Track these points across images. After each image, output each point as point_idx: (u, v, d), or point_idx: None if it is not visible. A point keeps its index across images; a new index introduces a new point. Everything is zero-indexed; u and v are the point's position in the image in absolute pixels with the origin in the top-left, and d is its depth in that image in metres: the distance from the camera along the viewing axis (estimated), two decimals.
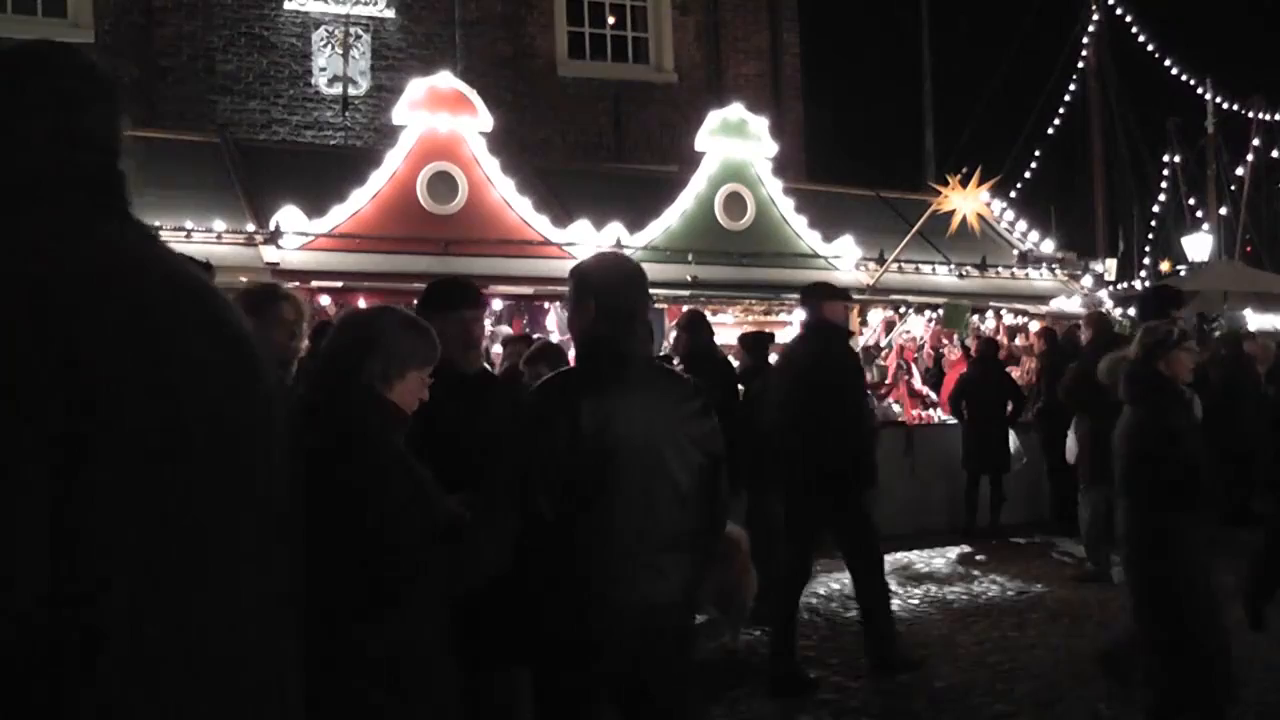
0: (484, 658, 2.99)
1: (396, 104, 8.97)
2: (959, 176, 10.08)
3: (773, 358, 7.31)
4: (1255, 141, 24.40)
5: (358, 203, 8.57)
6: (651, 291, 3.62)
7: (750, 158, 10.17)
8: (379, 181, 8.66)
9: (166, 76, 12.75)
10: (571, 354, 3.47)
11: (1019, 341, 11.16)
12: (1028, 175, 23.46)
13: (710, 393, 3.21)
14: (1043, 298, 11.36)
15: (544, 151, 13.57)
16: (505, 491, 2.87)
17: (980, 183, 10.11)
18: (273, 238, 8.28)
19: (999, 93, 23.06)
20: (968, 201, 10.01)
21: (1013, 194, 20.94)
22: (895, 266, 10.41)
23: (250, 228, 8.42)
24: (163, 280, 1.48)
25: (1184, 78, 24.38)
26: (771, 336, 8.12)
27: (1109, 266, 20.04)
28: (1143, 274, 25.12)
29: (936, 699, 5.38)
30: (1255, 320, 17.88)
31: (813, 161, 16.70)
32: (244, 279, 8.00)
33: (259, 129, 12.95)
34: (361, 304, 7.80)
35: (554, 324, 9.29)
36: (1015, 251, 11.12)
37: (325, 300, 8.06)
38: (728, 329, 10.60)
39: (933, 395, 11.05)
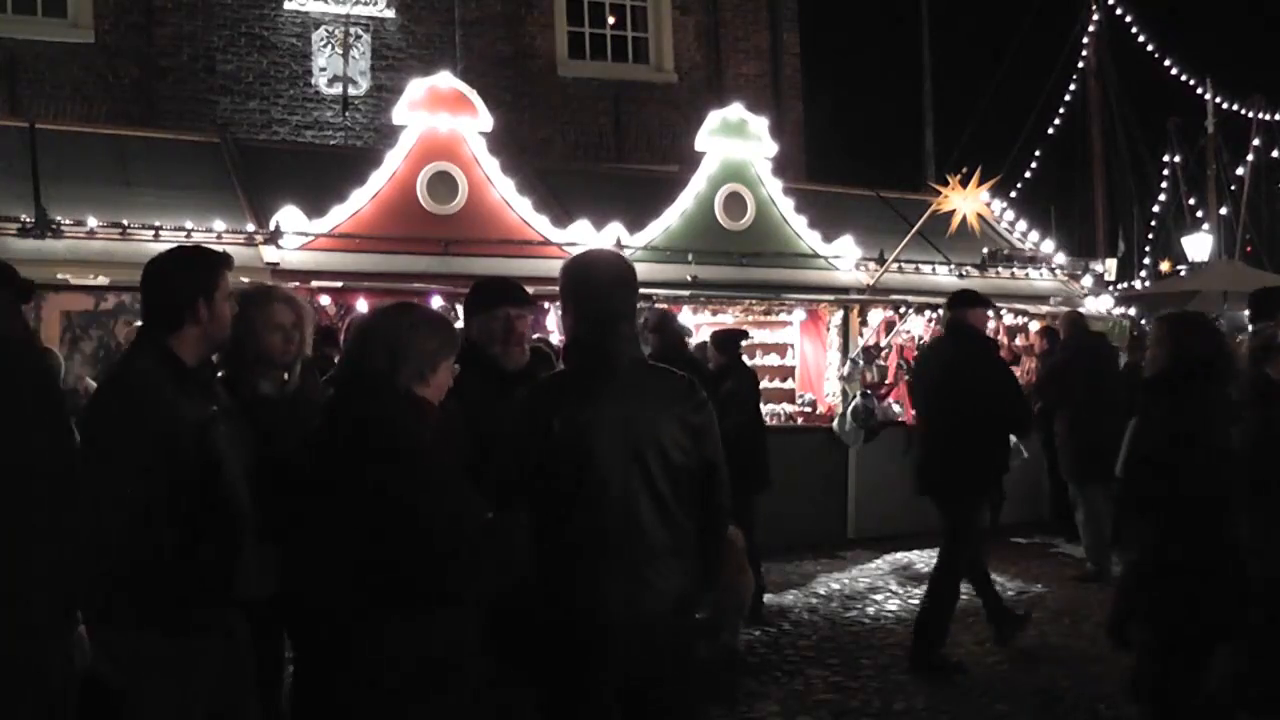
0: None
1: (396, 104, 8.97)
2: (959, 176, 10.07)
3: (772, 359, 7.38)
4: (1255, 141, 24.38)
5: (358, 203, 8.57)
6: (651, 291, 3.59)
7: (750, 158, 10.16)
8: (379, 181, 8.66)
9: (166, 76, 12.75)
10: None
11: (1019, 341, 11.15)
12: (1028, 175, 23.48)
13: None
14: (1043, 298, 11.35)
15: (544, 151, 13.57)
16: (515, 491, 2.86)
17: (980, 183, 10.10)
18: (273, 238, 8.27)
19: (999, 93, 23.01)
20: (968, 201, 10.00)
21: (1013, 194, 20.95)
22: (895, 266, 10.41)
23: (250, 228, 8.41)
24: None
25: (1184, 78, 24.37)
26: (744, 334, 8.26)
27: (1109, 266, 20.02)
28: (1143, 274, 25.12)
29: (936, 699, 5.38)
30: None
31: (813, 161, 16.72)
32: (245, 279, 8.03)
33: (259, 129, 12.95)
34: (362, 304, 7.80)
35: (554, 324, 9.28)
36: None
37: (325, 300, 8.06)
38: (727, 329, 10.62)
39: None
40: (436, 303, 7.73)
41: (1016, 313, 10.87)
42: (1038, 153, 23.60)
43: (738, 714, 5.15)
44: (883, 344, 10.47)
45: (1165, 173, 26.51)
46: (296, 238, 8.26)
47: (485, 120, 9.00)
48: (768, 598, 7.32)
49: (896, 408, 10.17)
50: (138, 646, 2.82)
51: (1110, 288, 16.12)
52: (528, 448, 2.85)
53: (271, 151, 10.75)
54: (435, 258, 8.58)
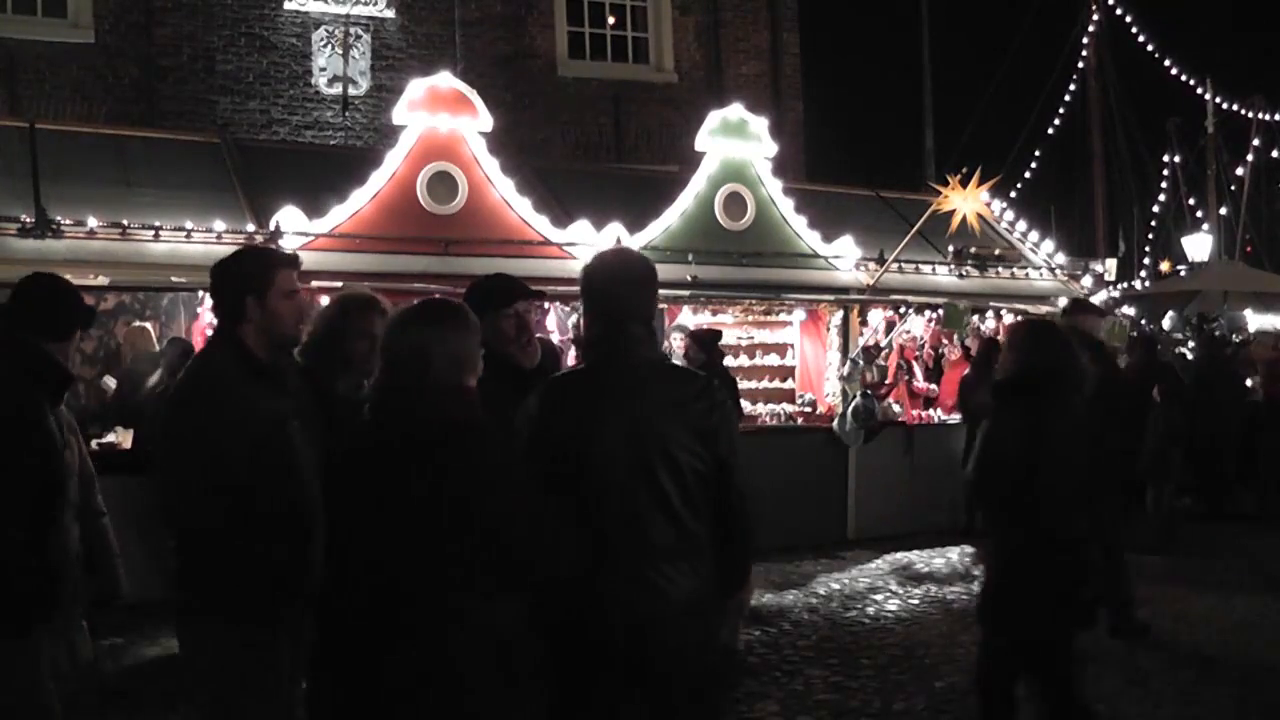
0: None
1: (396, 104, 8.96)
2: (959, 176, 10.07)
3: (772, 359, 7.43)
4: (1255, 141, 24.41)
5: (358, 203, 8.56)
6: None
7: (750, 158, 10.16)
8: (379, 181, 8.65)
9: (166, 76, 12.75)
10: (572, 353, 3.48)
11: None
12: (1028, 175, 23.49)
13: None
14: (1043, 298, 11.35)
15: (544, 151, 13.57)
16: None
17: (980, 183, 10.10)
18: (273, 238, 8.26)
19: (999, 93, 23.04)
20: (968, 201, 9.99)
21: (1013, 194, 20.97)
22: (895, 266, 10.41)
23: (250, 228, 8.40)
24: None
25: (1184, 78, 24.39)
26: (719, 334, 8.34)
27: (1109, 266, 20.02)
28: (1143, 274, 25.14)
29: (936, 699, 5.38)
30: (1255, 320, 17.89)
31: (813, 161, 16.73)
32: None
33: (259, 129, 12.95)
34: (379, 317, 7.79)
35: (554, 324, 9.29)
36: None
37: (325, 301, 8.05)
38: (728, 329, 10.62)
39: (934, 389, 11.04)
40: None
41: (1016, 313, 10.88)
42: (1038, 153, 23.63)
43: (738, 714, 5.15)
44: (883, 344, 10.47)
45: (1165, 173, 26.54)
46: (296, 238, 8.25)
47: (485, 120, 8.99)
48: (768, 598, 7.32)
49: (896, 408, 10.18)
50: (225, 640, 2.92)
51: (1110, 288, 16.13)
52: (535, 444, 2.84)
53: (271, 151, 10.74)
54: (435, 258, 8.58)
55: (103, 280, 7.63)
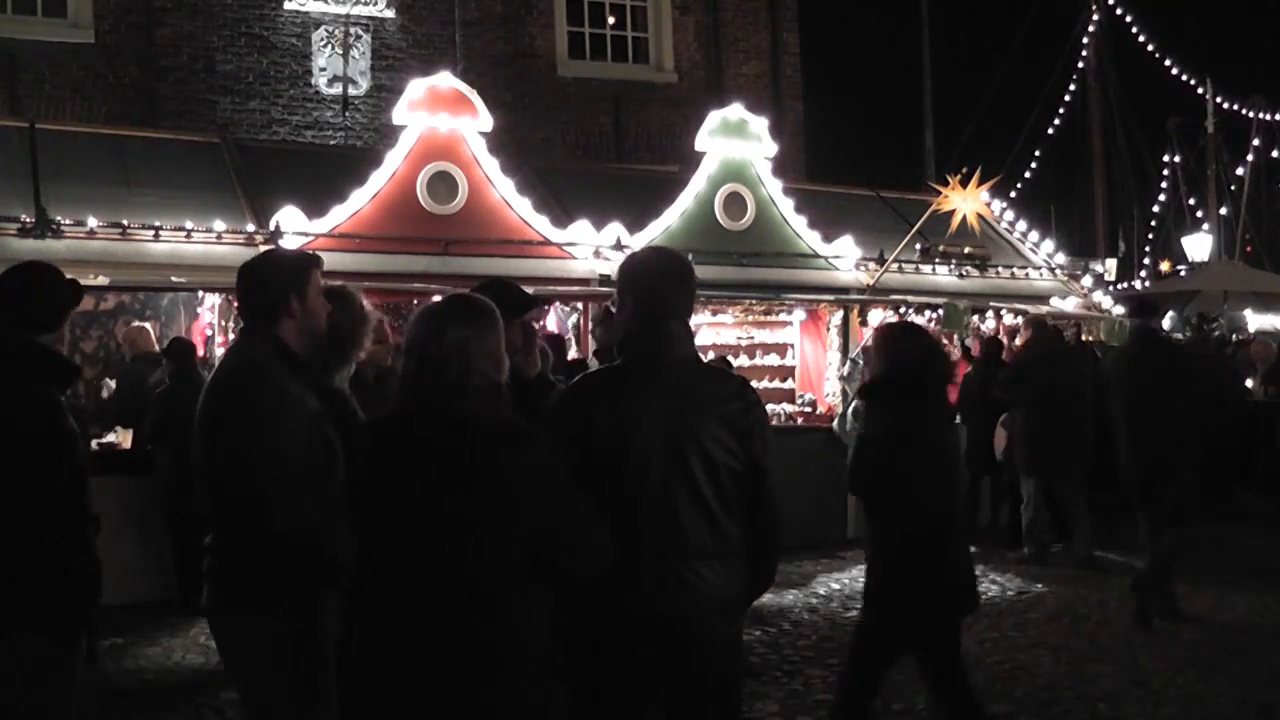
0: None
1: (396, 104, 8.97)
2: (959, 176, 10.07)
3: (772, 359, 7.47)
4: (1255, 141, 24.42)
5: (358, 203, 8.57)
6: None
7: (750, 158, 10.16)
8: (379, 181, 8.66)
9: (166, 76, 12.75)
10: (573, 352, 3.48)
11: (1019, 341, 11.15)
12: (1028, 175, 23.50)
13: None
14: (1043, 298, 11.35)
15: (544, 151, 13.57)
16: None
17: (980, 183, 10.10)
18: (273, 238, 8.27)
19: (999, 93, 23.04)
20: (968, 201, 10.00)
21: (1013, 194, 20.97)
22: (895, 266, 10.41)
23: (250, 228, 8.41)
24: None
25: (1184, 78, 24.40)
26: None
27: (1109, 267, 20.05)
28: (1143, 274, 25.14)
29: None
30: (1255, 320, 17.91)
31: (813, 161, 16.73)
32: None
33: (259, 129, 12.95)
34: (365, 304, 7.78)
35: (554, 324, 9.29)
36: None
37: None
38: (727, 329, 10.63)
39: None
40: None
41: (1016, 313, 10.88)
42: (1038, 153, 23.64)
43: (743, 717, 5.14)
44: None
45: (1165, 173, 26.55)
46: (296, 238, 8.26)
47: (485, 120, 8.99)
48: (768, 598, 7.32)
49: None
50: (276, 635, 2.95)
51: (1110, 288, 16.14)
52: (570, 441, 2.82)
53: (271, 151, 10.75)
54: (435, 258, 8.58)
55: (103, 280, 7.64)
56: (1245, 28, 40.13)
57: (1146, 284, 22.73)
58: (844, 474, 4.58)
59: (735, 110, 10.20)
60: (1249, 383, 11.86)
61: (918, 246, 10.76)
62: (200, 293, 8.63)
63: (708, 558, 2.83)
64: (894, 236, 10.59)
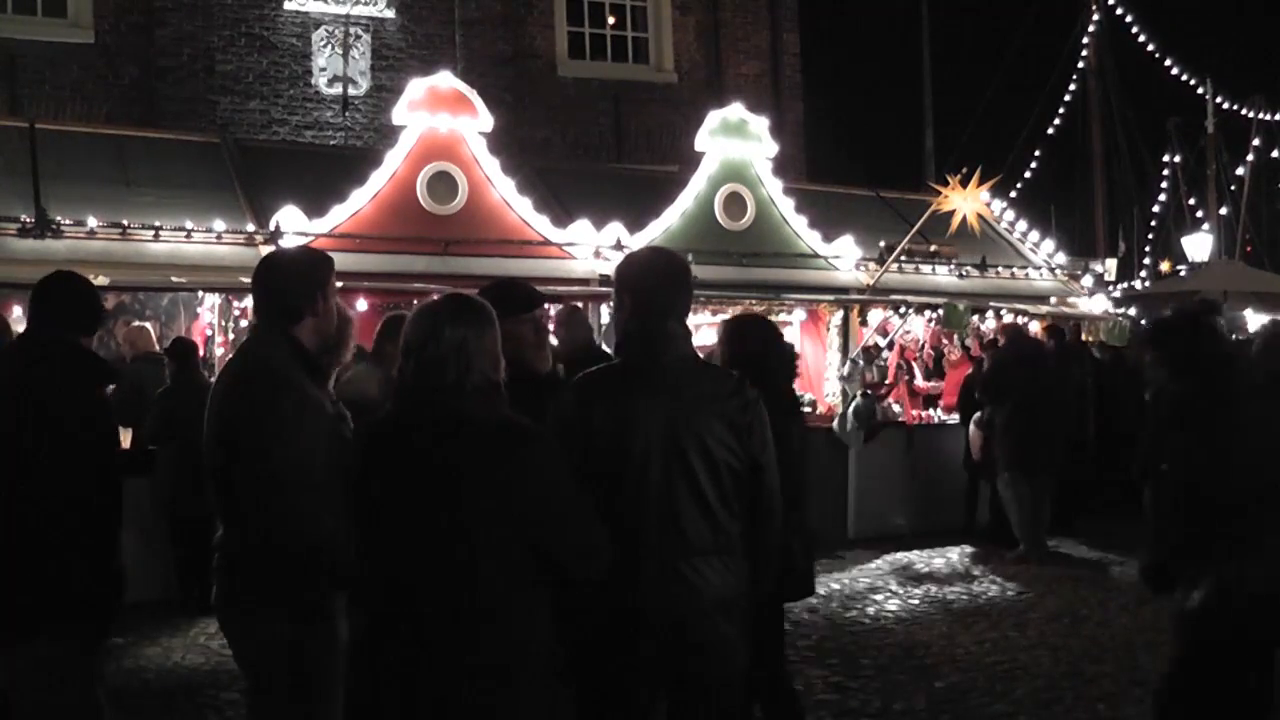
0: None
1: (396, 104, 8.97)
2: (959, 176, 10.07)
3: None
4: (1255, 141, 24.39)
5: (358, 203, 8.57)
6: None
7: (750, 158, 10.16)
8: (379, 181, 8.66)
9: (166, 76, 12.74)
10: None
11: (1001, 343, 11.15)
12: (1028, 175, 23.48)
13: None
14: (1043, 298, 11.35)
15: (544, 151, 13.56)
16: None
17: (980, 183, 10.10)
18: (273, 238, 8.27)
19: (999, 92, 23.01)
20: (968, 201, 10.00)
21: (1013, 194, 20.95)
22: (895, 266, 10.41)
23: (250, 228, 8.41)
24: None
25: (1184, 78, 24.38)
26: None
27: (1109, 267, 20.05)
28: (1143, 274, 25.13)
29: (936, 699, 5.38)
30: (1255, 320, 17.89)
31: (813, 161, 16.71)
32: (244, 279, 8.02)
33: (259, 129, 12.94)
34: (361, 304, 7.80)
35: (553, 324, 9.27)
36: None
37: None
38: None
39: (938, 385, 11.02)
40: None
41: (1016, 313, 10.89)
42: (1038, 153, 23.62)
43: (748, 714, 5.14)
44: (882, 344, 10.48)
45: (1165, 173, 26.53)
46: (296, 238, 8.26)
47: (485, 120, 9.00)
48: None
49: (896, 408, 10.18)
50: (296, 634, 2.96)
51: (1110, 288, 16.14)
52: (571, 441, 2.83)
53: (271, 151, 10.75)
54: (435, 258, 8.59)
55: (103, 280, 7.62)
56: (1245, 28, 40.16)
57: (1146, 284, 22.71)
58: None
59: (735, 110, 10.21)
60: None
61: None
62: (200, 293, 8.63)
63: (708, 556, 2.84)
64: (894, 236, 10.59)
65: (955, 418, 9.94)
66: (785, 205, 10.33)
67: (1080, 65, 23.74)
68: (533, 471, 2.54)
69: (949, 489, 9.47)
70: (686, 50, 15.41)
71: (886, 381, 10.21)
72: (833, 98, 23.82)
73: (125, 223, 7.99)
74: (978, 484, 9.39)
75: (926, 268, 10.89)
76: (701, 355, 3.45)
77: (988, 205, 11.30)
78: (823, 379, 10.32)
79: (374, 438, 2.67)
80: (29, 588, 3.23)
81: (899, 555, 8.83)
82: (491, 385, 2.61)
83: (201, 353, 7.85)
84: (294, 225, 8.32)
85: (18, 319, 8.61)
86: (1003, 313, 10.80)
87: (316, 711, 3.03)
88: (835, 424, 9.56)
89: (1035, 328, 10.70)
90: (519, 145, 12.57)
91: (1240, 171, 24.50)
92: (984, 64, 34.70)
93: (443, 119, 8.81)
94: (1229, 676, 3.57)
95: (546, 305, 3.93)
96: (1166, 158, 26.55)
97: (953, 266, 11.00)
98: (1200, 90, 24.85)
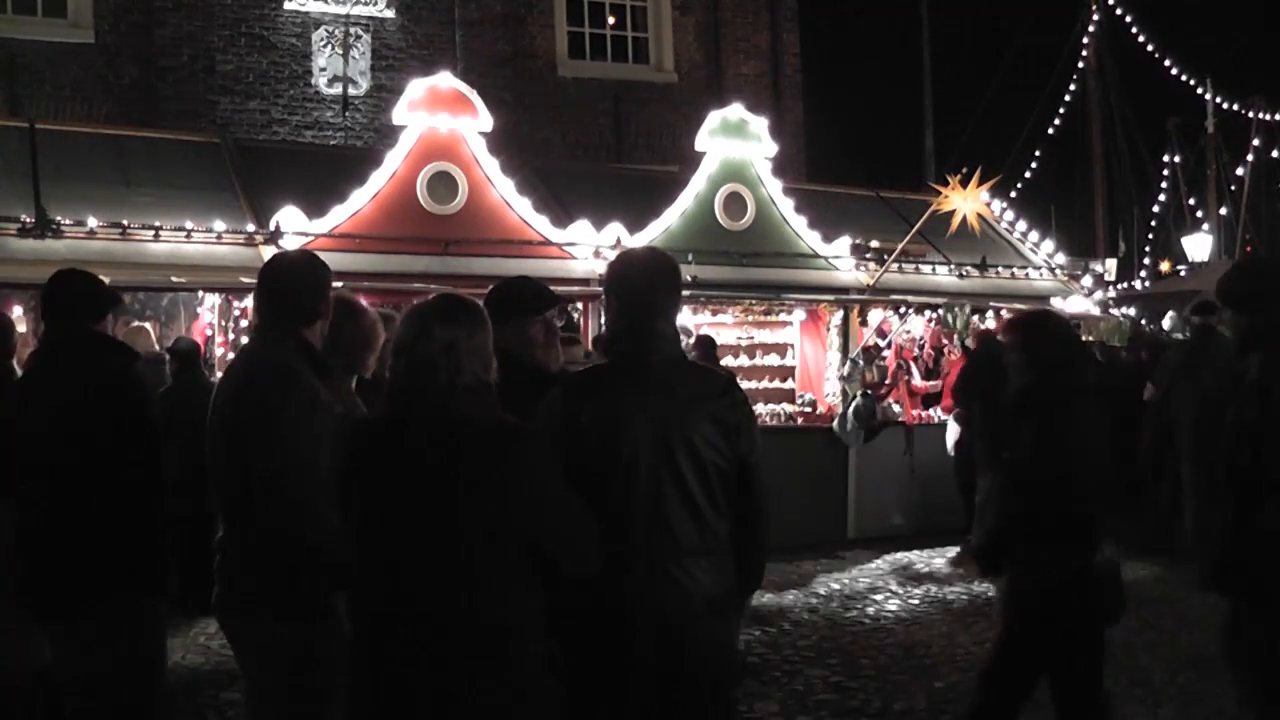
0: None
1: (396, 104, 8.96)
2: (959, 176, 10.07)
3: (772, 359, 7.52)
4: (1255, 141, 24.38)
5: (358, 203, 8.57)
6: None
7: (750, 158, 10.16)
8: (379, 181, 8.65)
9: (166, 76, 12.75)
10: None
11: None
12: (1028, 175, 23.48)
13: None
14: (1043, 298, 11.35)
15: (544, 151, 13.56)
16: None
17: (980, 183, 10.10)
18: (273, 238, 8.27)
19: (999, 93, 23.01)
20: (968, 201, 10.00)
21: (1013, 194, 20.96)
22: (895, 266, 10.41)
23: (250, 228, 8.41)
24: None
25: (1184, 78, 24.38)
26: (713, 340, 8.50)
27: (1109, 267, 20.05)
28: (1143, 274, 25.13)
29: (936, 699, 5.38)
30: None
31: (813, 161, 16.72)
32: (244, 279, 8.02)
33: (259, 129, 12.95)
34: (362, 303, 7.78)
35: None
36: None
37: None
38: (727, 329, 10.62)
39: (938, 384, 11.02)
40: None
41: (1016, 313, 10.86)
42: (1038, 153, 23.62)
43: (737, 714, 5.15)
44: (882, 344, 10.48)
45: (1165, 173, 26.53)
46: (296, 238, 8.26)
47: (485, 120, 8.99)
48: (768, 598, 7.32)
49: (896, 408, 10.18)
50: (299, 636, 2.99)
51: (1110, 288, 16.14)
52: (559, 441, 2.83)
53: (271, 151, 10.74)
54: (435, 258, 8.58)
55: (103, 280, 7.62)
56: (1245, 28, 40.14)
57: (1146, 284, 22.72)
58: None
59: (735, 110, 10.20)
60: None
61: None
62: (200, 293, 8.63)
63: (696, 556, 2.84)
64: (894, 236, 10.59)
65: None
66: (785, 205, 10.33)
67: (1080, 65, 23.74)
68: (525, 470, 2.54)
69: (949, 489, 9.46)
70: (686, 50, 15.41)
71: (886, 381, 10.22)
72: (833, 98, 23.83)
73: (125, 223, 7.99)
74: (974, 483, 9.39)
75: (927, 268, 10.89)
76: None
77: (988, 205, 11.29)
78: (823, 379, 10.32)
79: (370, 436, 2.67)
80: (81, 563, 3.38)
81: (899, 555, 8.83)
82: (483, 385, 2.60)
83: (202, 353, 7.86)
84: (294, 225, 8.32)
85: (18, 319, 8.64)
86: (1003, 313, 10.79)
87: (317, 712, 3.03)
88: (835, 424, 9.57)
89: None
90: (519, 145, 12.57)
91: (1240, 171, 24.50)
92: (984, 64, 34.68)
93: (443, 119, 8.80)
94: (1049, 653, 3.88)
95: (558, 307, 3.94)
96: (1166, 158, 26.55)
97: (953, 267, 11.00)
98: (1200, 90, 24.86)
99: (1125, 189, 25.93)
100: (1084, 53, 23.64)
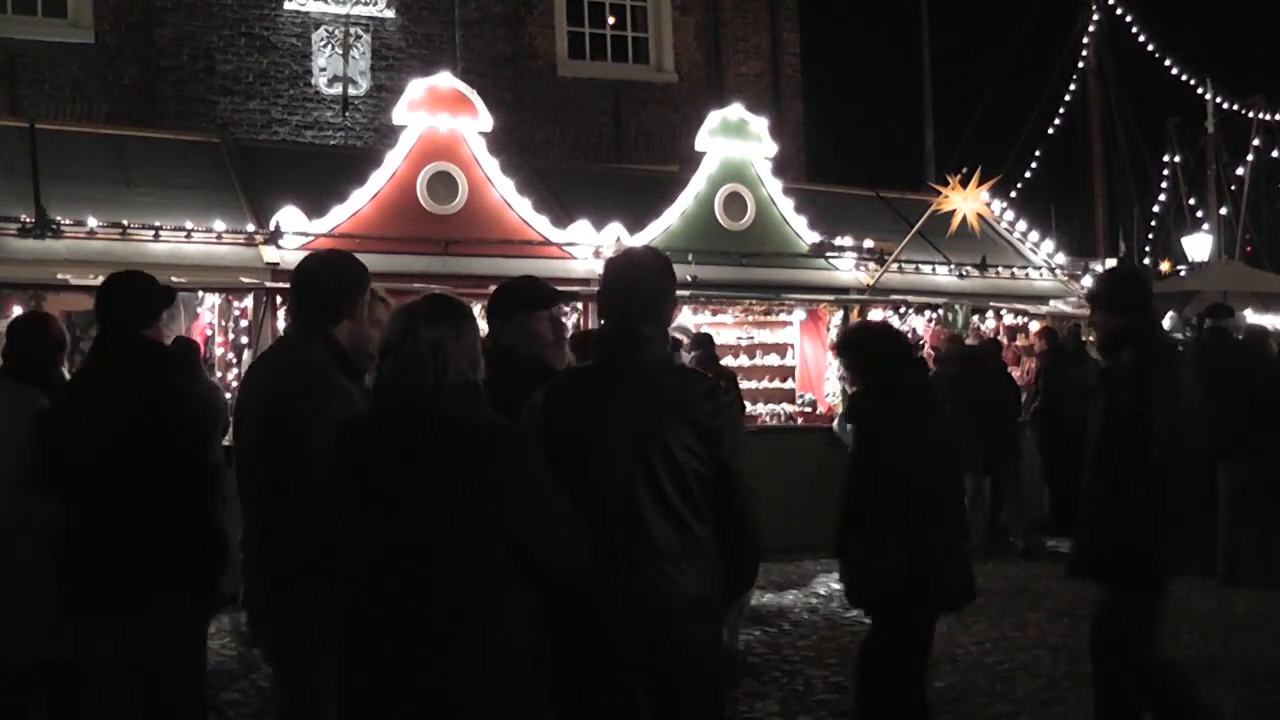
0: None
1: (396, 104, 8.97)
2: (959, 176, 10.07)
3: (772, 359, 7.52)
4: (1255, 141, 24.41)
5: (358, 203, 8.57)
6: None
7: (750, 158, 10.16)
8: (379, 181, 8.66)
9: (166, 76, 12.75)
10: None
11: (1019, 341, 11.16)
12: (1028, 175, 23.49)
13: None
14: (1043, 298, 11.35)
15: (544, 151, 13.57)
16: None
17: (980, 183, 10.10)
18: (273, 238, 8.27)
19: (999, 93, 23.01)
20: (968, 201, 10.00)
21: (1013, 194, 20.96)
22: (895, 266, 10.41)
23: (250, 228, 8.41)
24: None
25: (1184, 78, 24.40)
26: (711, 337, 8.55)
27: (1109, 267, 20.01)
28: None
29: (936, 699, 5.37)
30: (1255, 320, 17.88)
31: (813, 161, 16.72)
32: (244, 279, 8.03)
33: (259, 129, 12.95)
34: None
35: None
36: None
37: None
38: (728, 329, 10.63)
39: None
40: None
41: (1016, 313, 10.88)
42: (1038, 153, 23.63)
43: (738, 714, 5.15)
44: None
45: (1165, 173, 26.55)
46: (296, 238, 8.26)
47: (485, 120, 8.99)
48: (768, 598, 7.32)
49: None
50: (313, 640, 3.01)
51: None
52: (541, 442, 2.81)
53: (271, 151, 10.75)
54: (435, 258, 8.58)
55: (103, 280, 7.62)
56: (1245, 28, 40.16)
57: None
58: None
59: (735, 110, 10.21)
60: None
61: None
62: (200, 293, 8.63)
63: (677, 559, 2.81)
64: (894, 236, 10.59)
65: None
66: (785, 205, 10.34)
67: (1080, 65, 23.74)
68: (512, 470, 2.53)
69: None
70: (686, 50, 15.42)
71: None
72: (833, 97, 23.84)
73: (125, 223, 7.99)
74: (979, 484, 9.39)
75: (927, 268, 10.89)
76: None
77: (988, 205, 11.30)
78: (823, 379, 10.32)
79: (355, 436, 2.67)
80: (140, 560, 3.46)
81: None
82: (470, 385, 2.60)
83: (202, 353, 7.86)
84: (294, 225, 8.32)
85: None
86: (1003, 313, 10.81)
87: (317, 712, 3.05)
88: (835, 424, 9.55)
89: (1034, 327, 10.70)
90: (519, 145, 12.57)
91: (1240, 171, 24.51)
92: (984, 64, 34.68)
93: (443, 119, 8.81)
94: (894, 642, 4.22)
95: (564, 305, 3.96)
96: (1166, 158, 26.57)
97: (953, 267, 11.00)
98: (1200, 90, 24.87)
99: (1125, 189, 25.94)
100: (1084, 53, 23.64)
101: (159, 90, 12.68)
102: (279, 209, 8.37)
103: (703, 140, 10.02)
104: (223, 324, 8.19)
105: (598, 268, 9.20)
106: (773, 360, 10.66)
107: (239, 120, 12.86)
